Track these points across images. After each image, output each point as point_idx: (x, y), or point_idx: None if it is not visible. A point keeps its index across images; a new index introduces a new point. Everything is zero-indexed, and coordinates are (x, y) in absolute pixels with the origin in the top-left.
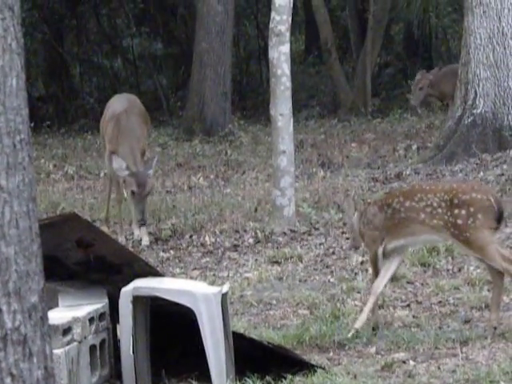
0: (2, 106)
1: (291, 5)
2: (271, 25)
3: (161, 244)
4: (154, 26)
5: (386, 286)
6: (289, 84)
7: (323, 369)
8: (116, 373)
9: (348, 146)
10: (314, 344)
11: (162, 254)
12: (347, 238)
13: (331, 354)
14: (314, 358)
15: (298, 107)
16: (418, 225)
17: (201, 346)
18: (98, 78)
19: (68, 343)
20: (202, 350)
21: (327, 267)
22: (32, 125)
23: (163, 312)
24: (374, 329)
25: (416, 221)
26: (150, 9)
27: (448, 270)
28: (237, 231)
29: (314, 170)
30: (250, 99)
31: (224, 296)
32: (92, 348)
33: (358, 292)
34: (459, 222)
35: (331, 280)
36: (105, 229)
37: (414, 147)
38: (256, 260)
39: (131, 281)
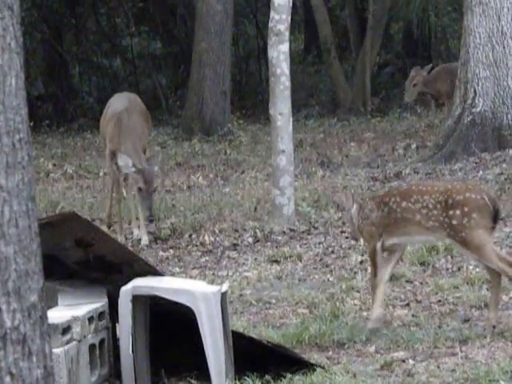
0: (2, 105)
1: (290, 4)
2: (270, 24)
3: (160, 243)
4: (154, 26)
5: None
6: (288, 83)
7: (322, 368)
8: (115, 372)
9: (347, 145)
10: (314, 343)
11: (161, 253)
12: (346, 237)
13: (330, 352)
14: (314, 356)
15: (297, 106)
16: (414, 226)
17: (200, 345)
18: (97, 77)
19: (67, 342)
20: (202, 349)
21: (326, 266)
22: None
23: (162, 311)
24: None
25: (412, 222)
26: (149, 8)
27: (447, 269)
28: (236, 230)
29: (314, 169)
30: (250, 98)
31: (223, 295)
32: (91, 347)
33: (358, 291)
34: (454, 222)
35: (330, 279)
36: (104, 228)
37: (414, 146)
38: (255, 259)
39: (131, 280)
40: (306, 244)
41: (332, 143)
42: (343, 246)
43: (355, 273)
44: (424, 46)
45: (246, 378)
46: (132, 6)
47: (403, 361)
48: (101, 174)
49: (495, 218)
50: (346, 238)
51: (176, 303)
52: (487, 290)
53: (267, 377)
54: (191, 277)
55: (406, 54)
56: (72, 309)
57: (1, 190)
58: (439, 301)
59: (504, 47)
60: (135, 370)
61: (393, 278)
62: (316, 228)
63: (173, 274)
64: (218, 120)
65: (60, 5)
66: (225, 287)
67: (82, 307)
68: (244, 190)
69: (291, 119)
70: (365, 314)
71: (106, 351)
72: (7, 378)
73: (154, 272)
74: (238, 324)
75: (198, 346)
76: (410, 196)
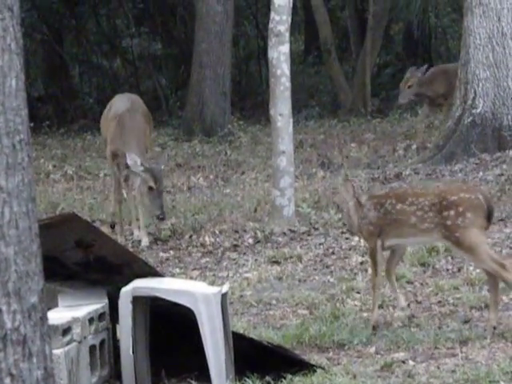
0: (2, 106)
1: (291, 5)
2: (271, 25)
3: (160, 244)
4: (154, 27)
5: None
6: (288, 84)
7: (323, 369)
8: (116, 373)
9: (348, 146)
10: (314, 344)
11: (161, 254)
12: (347, 238)
13: (331, 353)
14: (314, 357)
15: (297, 107)
16: (410, 228)
17: (200, 346)
18: (97, 78)
19: (68, 343)
20: (202, 350)
21: (327, 267)
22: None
23: (163, 312)
24: (373, 327)
25: (407, 224)
26: (150, 9)
27: (447, 270)
28: (236, 231)
29: (314, 170)
30: (250, 99)
31: (224, 296)
32: (92, 348)
33: (358, 292)
34: (448, 223)
35: (331, 280)
36: (106, 229)
37: (414, 147)
38: (256, 260)
39: (131, 281)
40: (306, 245)
41: (332, 144)
42: (343, 246)
43: (355, 274)
44: (424, 46)
45: (246, 378)
46: (132, 6)
47: (403, 362)
48: (101, 175)
49: (489, 217)
50: (347, 239)
51: (176, 304)
52: (487, 290)
53: (267, 378)
54: (191, 278)
55: (407, 54)
56: (72, 310)
57: (1, 191)
58: (439, 302)
59: (504, 48)
60: (135, 371)
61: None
62: (316, 229)
63: (173, 275)
64: (219, 121)
65: (60, 6)
66: (225, 288)
67: (83, 308)
68: (244, 191)
69: (291, 120)
70: (365, 314)
71: (107, 352)
72: (7, 379)
73: (154, 273)
74: (239, 325)
75: (198, 347)
76: (406, 198)
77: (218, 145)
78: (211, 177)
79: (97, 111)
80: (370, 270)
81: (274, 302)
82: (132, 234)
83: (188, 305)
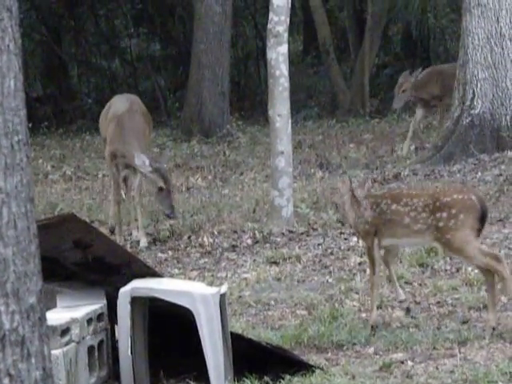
0: (0, 106)
1: (289, 5)
2: (269, 25)
3: (159, 245)
4: (152, 27)
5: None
6: (287, 85)
7: (321, 369)
8: (114, 373)
9: (346, 146)
10: (313, 344)
11: (160, 254)
12: (345, 239)
13: (329, 354)
14: (313, 358)
15: (296, 108)
16: (403, 228)
17: (199, 347)
18: (95, 78)
19: (66, 344)
20: (201, 351)
21: (325, 268)
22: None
23: (161, 312)
24: (372, 328)
25: (401, 224)
26: (148, 9)
27: (446, 271)
28: (235, 232)
29: (312, 170)
30: (248, 100)
31: (222, 296)
32: (90, 349)
33: (356, 292)
34: (441, 224)
35: (329, 280)
36: (104, 230)
37: (412, 148)
38: (254, 260)
39: (129, 281)
40: (304, 245)
41: (331, 144)
42: (342, 247)
43: (354, 274)
44: (423, 47)
45: (244, 379)
46: (131, 7)
47: (402, 362)
48: (100, 175)
49: (483, 218)
50: (345, 239)
51: (175, 305)
52: (485, 291)
53: (266, 378)
54: (190, 278)
55: (405, 55)
56: (71, 310)
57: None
58: (438, 302)
59: (502, 49)
60: (134, 372)
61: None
62: (315, 229)
63: (172, 276)
64: (217, 121)
65: (59, 6)
66: (224, 289)
67: (81, 309)
68: (243, 192)
69: (290, 120)
70: (364, 315)
71: (105, 353)
72: (6, 380)
73: (152, 273)
74: (237, 325)
75: (196, 348)
76: (400, 199)
77: (217, 145)
78: (210, 177)
79: (95, 112)
80: (368, 270)
81: (272, 302)
82: (131, 234)
83: (187, 305)
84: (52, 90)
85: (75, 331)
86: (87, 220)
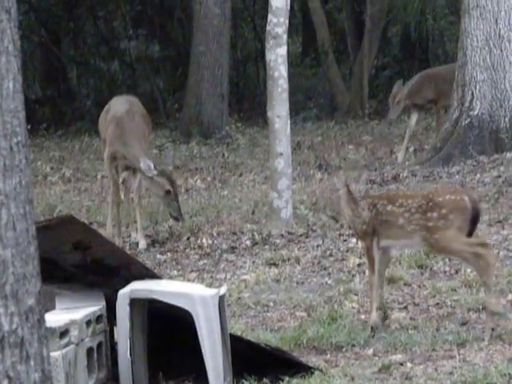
0: None
1: (288, 7)
2: (268, 27)
3: (158, 246)
4: (151, 29)
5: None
6: (286, 86)
7: (320, 371)
8: (113, 375)
9: (345, 147)
10: (312, 346)
11: (159, 256)
12: (344, 240)
13: (328, 355)
14: (312, 360)
15: (295, 109)
16: (398, 229)
17: (198, 348)
18: (94, 80)
19: (65, 346)
20: (200, 352)
21: (324, 269)
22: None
23: (160, 314)
24: (372, 328)
25: (395, 225)
26: (147, 11)
27: (445, 272)
28: (234, 233)
29: (311, 172)
30: (247, 101)
31: (221, 298)
32: (89, 350)
33: (356, 294)
34: (430, 224)
35: (328, 282)
36: (102, 231)
37: (411, 149)
38: (253, 262)
39: (128, 283)
40: (303, 247)
41: (330, 146)
42: (341, 248)
43: (353, 276)
44: (421, 49)
45: (244, 381)
46: (130, 9)
47: (401, 364)
48: (98, 177)
49: (475, 220)
50: (344, 241)
51: (174, 306)
52: (485, 292)
53: (265, 380)
54: (189, 280)
55: (404, 56)
56: (70, 312)
57: None
58: (437, 304)
59: (501, 50)
60: (133, 374)
61: (391, 281)
62: (314, 231)
63: (171, 277)
64: (216, 123)
65: (58, 8)
66: (223, 290)
67: (80, 310)
68: (242, 193)
69: (289, 122)
70: (363, 316)
71: (104, 355)
72: (5, 382)
73: (151, 275)
74: (236, 327)
75: (196, 349)
76: (396, 200)
77: (216, 147)
78: (209, 179)
79: (94, 113)
80: (367, 272)
81: (271, 303)
82: (129, 236)
83: (186, 307)
84: (51, 92)
85: (74, 333)
86: (86, 222)
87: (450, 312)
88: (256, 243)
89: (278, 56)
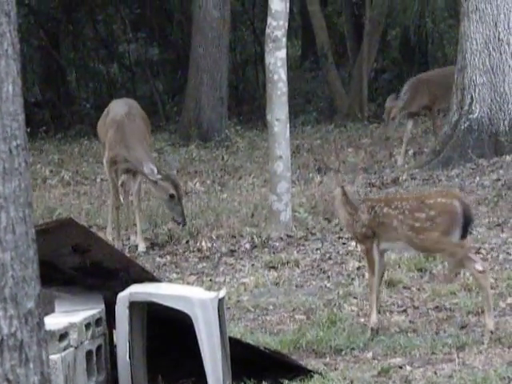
0: None
1: (287, 10)
2: (267, 30)
3: (157, 249)
4: (151, 32)
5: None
6: (285, 89)
7: (320, 374)
8: (112, 378)
9: (344, 151)
10: (311, 349)
11: (158, 259)
12: (344, 243)
13: (328, 359)
14: (311, 363)
15: (294, 112)
16: (392, 231)
17: (197, 352)
18: (94, 83)
19: (64, 349)
20: (199, 356)
21: (324, 272)
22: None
23: (160, 317)
24: (372, 330)
25: (390, 227)
26: (147, 14)
27: (444, 275)
28: (233, 236)
29: (311, 175)
30: (247, 104)
31: (220, 301)
32: (88, 353)
33: (355, 297)
34: (417, 224)
35: (328, 285)
36: (102, 234)
37: (411, 152)
38: (252, 265)
39: (128, 286)
40: (303, 250)
41: (329, 149)
42: (340, 252)
43: (352, 279)
44: (421, 52)
45: None
46: (129, 12)
47: (400, 367)
48: (98, 180)
49: (467, 225)
50: (344, 244)
51: (173, 309)
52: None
53: (264, 383)
54: (188, 283)
55: (403, 60)
56: (69, 315)
57: None
58: (436, 307)
59: (501, 53)
60: (132, 377)
61: (390, 284)
62: (313, 234)
63: (170, 281)
64: (215, 126)
65: (57, 11)
66: (222, 293)
67: (79, 313)
68: (241, 196)
69: (288, 125)
70: (362, 320)
71: (103, 358)
72: None
73: (151, 278)
74: (236, 330)
75: (195, 353)
76: (392, 202)
77: (215, 150)
78: (208, 182)
79: (93, 116)
80: (367, 275)
81: (270, 307)
82: (129, 239)
83: (185, 310)
84: (50, 95)
85: (73, 336)
86: (85, 225)
87: (449, 315)
88: (255, 246)
89: (277, 59)
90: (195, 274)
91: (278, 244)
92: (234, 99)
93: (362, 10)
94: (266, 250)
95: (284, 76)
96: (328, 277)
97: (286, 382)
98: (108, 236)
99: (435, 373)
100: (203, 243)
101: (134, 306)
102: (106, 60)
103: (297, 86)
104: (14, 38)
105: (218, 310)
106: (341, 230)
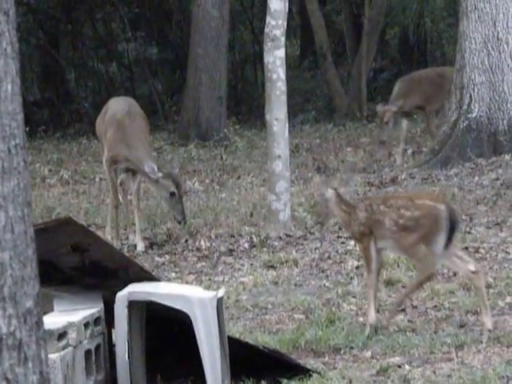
0: None
1: (286, 9)
2: (266, 29)
3: (156, 249)
4: (149, 31)
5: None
6: (284, 88)
7: (318, 373)
8: (111, 378)
9: (343, 150)
10: (310, 348)
11: (157, 258)
12: (343, 243)
13: (326, 358)
14: (310, 362)
15: (293, 112)
16: (385, 230)
17: (196, 351)
18: (93, 82)
19: (63, 348)
20: (198, 355)
21: (322, 272)
22: (27, 129)
23: (158, 317)
24: (371, 326)
25: (383, 225)
26: (145, 13)
27: (443, 275)
28: (232, 236)
29: (310, 174)
30: (246, 104)
31: (219, 300)
32: (87, 353)
33: (354, 296)
34: (401, 221)
35: (326, 284)
36: (100, 234)
37: (410, 151)
38: (251, 264)
39: (126, 285)
40: (302, 249)
41: (328, 148)
42: (339, 251)
43: (351, 278)
44: (420, 51)
45: (242, 383)
46: (128, 11)
47: (399, 366)
48: (97, 179)
49: (452, 230)
50: (342, 243)
51: (172, 309)
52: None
53: (263, 382)
54: (187, 282)
55: (402, 59)
56: (68, 314)
57: None
58: (435, 306)
59: (500, 53)
60: (131, 376)
61: (389, 284)
62: (312, 233)
63: (169, 280)
64: (214, 125)
65: (56, 10)
66: (221, 293)
67: (78, 313)
68: (240, 196)
69: (287, 124)
70: (361, 319)
71: (102, 357)
72: None
73: (149, 277)
74: (234, 329)
75: (194, 352)
76: (388, 200)
77: (214, 149)
78: (207, 181)
79: (92, 115)
80: (365, 274)
81: (269, 306)
82: (128, 238)
83: (184, 309)
84: (49, 94)
85: (72, 335)
86: (84, 224)
87: (448, 314)
88: (254, 246)
89: (276, 58)
90: (194, 274)
91: (276, 243)
92: (233, 98)
93: (360, 9)
94: (265, 249)
95: (283, 75)
96: (327, 276)
97: (285, 381)
98: (107, 235)
99: (434, 372)
100: (202, 242)
101: (132, 305)
102: (105, 59)
103: (296, 85)
104: (12, 36)
105: (217, 310)
106: (339, 229)
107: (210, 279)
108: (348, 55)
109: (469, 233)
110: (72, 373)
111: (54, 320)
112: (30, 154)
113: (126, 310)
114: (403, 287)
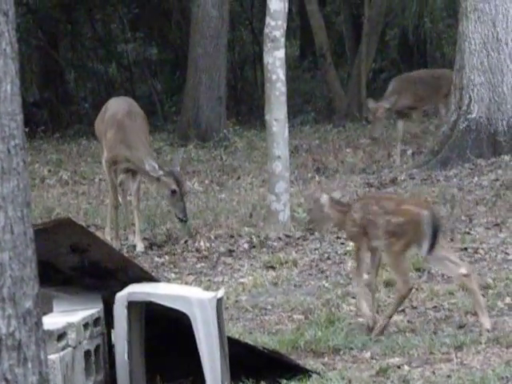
0: None
1: (286, 10)
2: (266, 30)
3: (156, 249)
4: (149, 31)
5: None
6: (284, 89)
7: (318, 374)
8: (111, 378)
9: (343, 151)
10: (309, 349)
11: (156, 259)
12: (342, 243)
13: (326, 358)
14: (309, 363)
15: (292, 112)
16: (376, 230)
17: (196, 351)
18: (92, 83)
19: (63, 348)
20: (197, 355)
21: (322, 272)
22: (27, 130)
23: (158, 317)
24: (368, 327)
25: (375, 226)
26: (145, 14)
27: (443, 275)
28: (232, 236)
29: (309, 175)
30: (245, 104)
31: (219, 301)
32: (87, 353)
33: (353, 297)
34: (389, 228)
35: (326, 285)
36: (100, 234)
37: (409, 152)
38: (251, 265)
39: (126, 286)
40: (301, 250)
41: (328, 149)
42: (339, 252)
43: (351, 279)
44: (419, 52)
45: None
46: (127, 11)
47: (399, 367)
48: (96, 179)
49: (435, 236)
50: (342, 244)
51: (171, 309)
52: (483, 295)
53: (263, 383)
54: (187, 283)
55: (402, 60)
56: (67, 315)
57: None
58: (434, 307)
59: (499, 53)
60: (131, 376)
61: (388, 284)
62: (312, 234)
63: (168, 280)
64: (214, 126)
65: (55, 11)
66: (220, 293)
67: (78, 313)
68: (240, 196)
69: (287, 125)
70: (360, 320)
71: (102, 357)
72: None
73: (149, 278)
74: (234, 330)
75: (193, 352)
76: (380, 201)
77: (214, 150)
78: (206, 182)
79: (92, 116)
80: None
81: (269, 307)
82: (127, 238)
83: (183, 310)
84: (49, 95)
85: (72, 336)
86: (84, 224)
87: (447, 315)
88: (254, 246)
89: (275, 59)
90: (193, 274)
91: (276, 244)
92: (233, 99)
93: (360, 10)
94: (265, 249)
95: (282, 76)
96: (326, 277)
97: (285, 381)
98: (106, 236)
99: (433, 372)
100: (201, 243)
101: (132, 305)
102: (105, 60)
103: (295, 85)
104: (12, 37)
105: (217, 310)
106: (339, 230)
107: (209, 280)
108: (348, 56)
109: (468, 233)
110: (71, 373)
111: (53, 320)
112: (30, 154)
113: (125, 311)
114: None
